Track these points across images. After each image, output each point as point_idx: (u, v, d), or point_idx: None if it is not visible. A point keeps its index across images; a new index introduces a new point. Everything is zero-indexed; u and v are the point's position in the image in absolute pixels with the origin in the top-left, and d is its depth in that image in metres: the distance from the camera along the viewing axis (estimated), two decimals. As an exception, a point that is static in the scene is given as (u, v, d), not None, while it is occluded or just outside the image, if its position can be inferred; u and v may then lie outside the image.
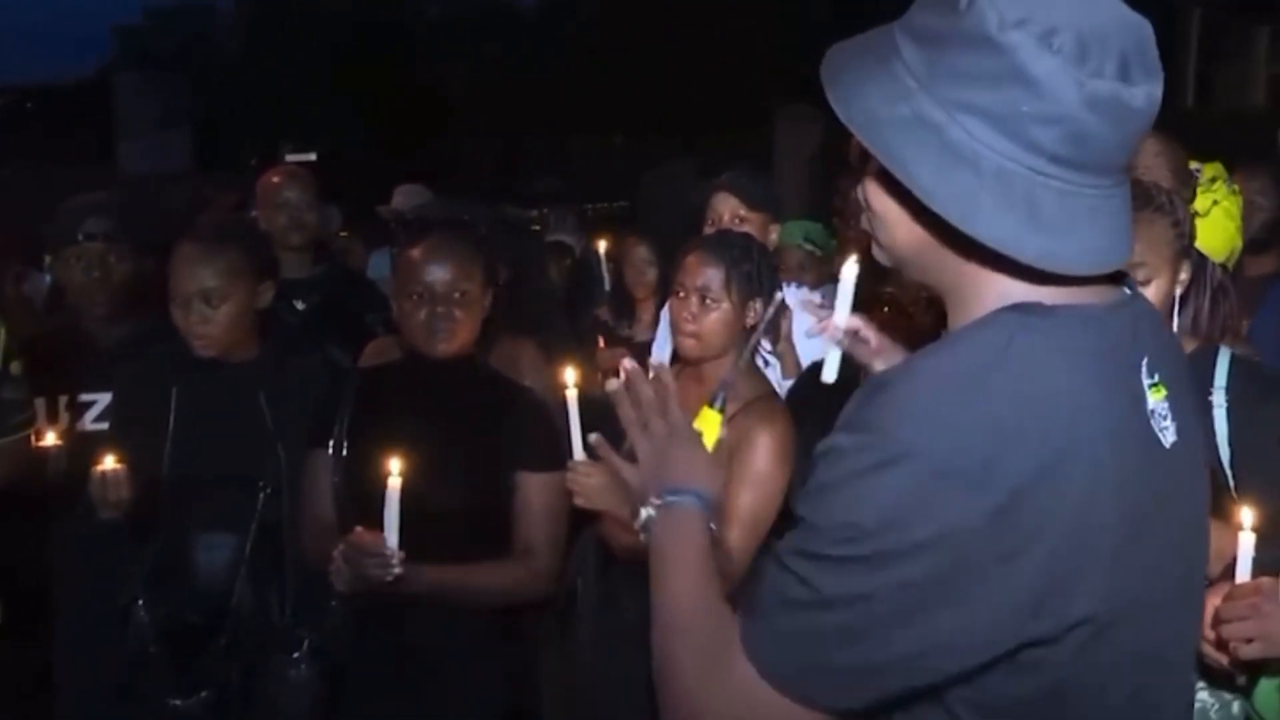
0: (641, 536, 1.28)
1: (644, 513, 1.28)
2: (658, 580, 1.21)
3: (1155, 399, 1.10)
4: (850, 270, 1.76)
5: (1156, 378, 1.11)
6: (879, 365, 1.75)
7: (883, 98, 1.05)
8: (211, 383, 2.53)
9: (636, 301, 4.15)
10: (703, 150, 12.65)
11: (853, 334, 1.78)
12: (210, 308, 2.47)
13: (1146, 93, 1.02)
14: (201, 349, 2.50)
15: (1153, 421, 1.09)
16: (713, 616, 1.15)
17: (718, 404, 1.42)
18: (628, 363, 1.35)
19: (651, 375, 1.33)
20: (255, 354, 2.59)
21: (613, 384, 1.34)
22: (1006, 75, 1.00)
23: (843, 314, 1.76)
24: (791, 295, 2.84)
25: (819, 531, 1.03)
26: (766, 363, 2.64)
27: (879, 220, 1.14)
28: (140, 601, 2.48)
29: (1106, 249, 1.05)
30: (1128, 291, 1.15)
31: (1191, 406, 1.18)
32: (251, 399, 2.52)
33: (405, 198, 4.98)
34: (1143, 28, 1.04)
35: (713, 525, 1.26)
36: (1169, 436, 1.10)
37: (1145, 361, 1.10)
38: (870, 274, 1.79)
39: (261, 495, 2.48)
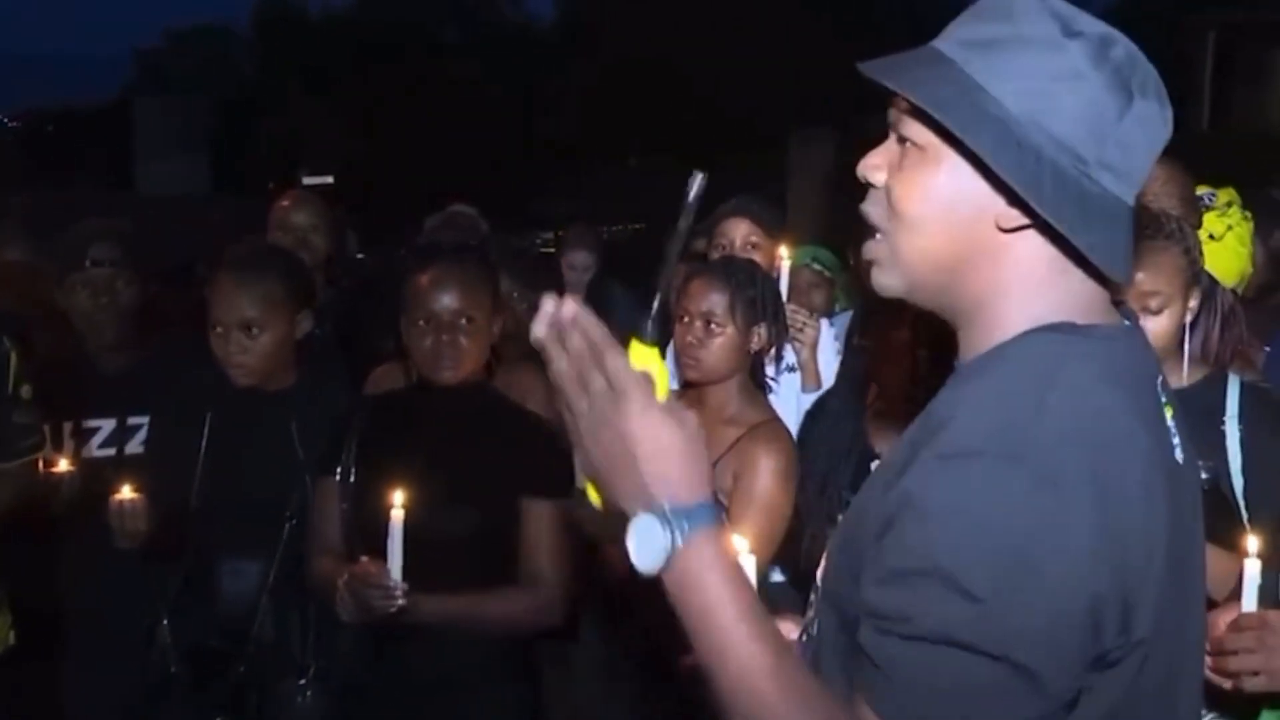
0: (635, 560, 1.03)
1: (645, 541, 1.02)
2: (712, 648, 1.01)
3: (1169, 417, 1.13)
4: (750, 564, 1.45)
5: (1166, 397, 1.14)
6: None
7: (945, 88, 1.06)
8: (245, 410, 2.55)
9: None
10: (717, 172, 12.66)
11: None
12: (249, 338, 2.49)
13: (1169, 118, 1.08)
14: (240, 378, 2.52)
15: (1170, 438, 1.12)
16: (798, 679, 1.02)
17: (649, 334, 1.07)
18: (553, 303, 1.06)
19: (571, 321, 1.04)
20: (291, 383, 2.61)
21: (539, 329, 1.06)
22: (1064, 74, 1.04)
23: None
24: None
25: (948, 575, 0.96)
26: (771, 389, 2.64)
27: (908, 224, 1.11)
28: (165, 622, 2.50)
29: (1129, 259, 1.09)
30: (1126, 321, 1.17)
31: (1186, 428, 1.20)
32: (283, 428, 2.54)
33: (451, 217, 4.87)
34: (1152, 67, 1.09)
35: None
36: (1179, 453, 1.13)
37: (1160, 381, 1.14)
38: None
39: (287, 525, 2.49)
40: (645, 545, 1.01)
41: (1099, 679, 1.01)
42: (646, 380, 1.04)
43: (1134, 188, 1.08)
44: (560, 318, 1.04)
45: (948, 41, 1.10)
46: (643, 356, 1.05)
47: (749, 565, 1.48)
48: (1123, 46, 1.06)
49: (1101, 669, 1.00)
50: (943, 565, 0.96)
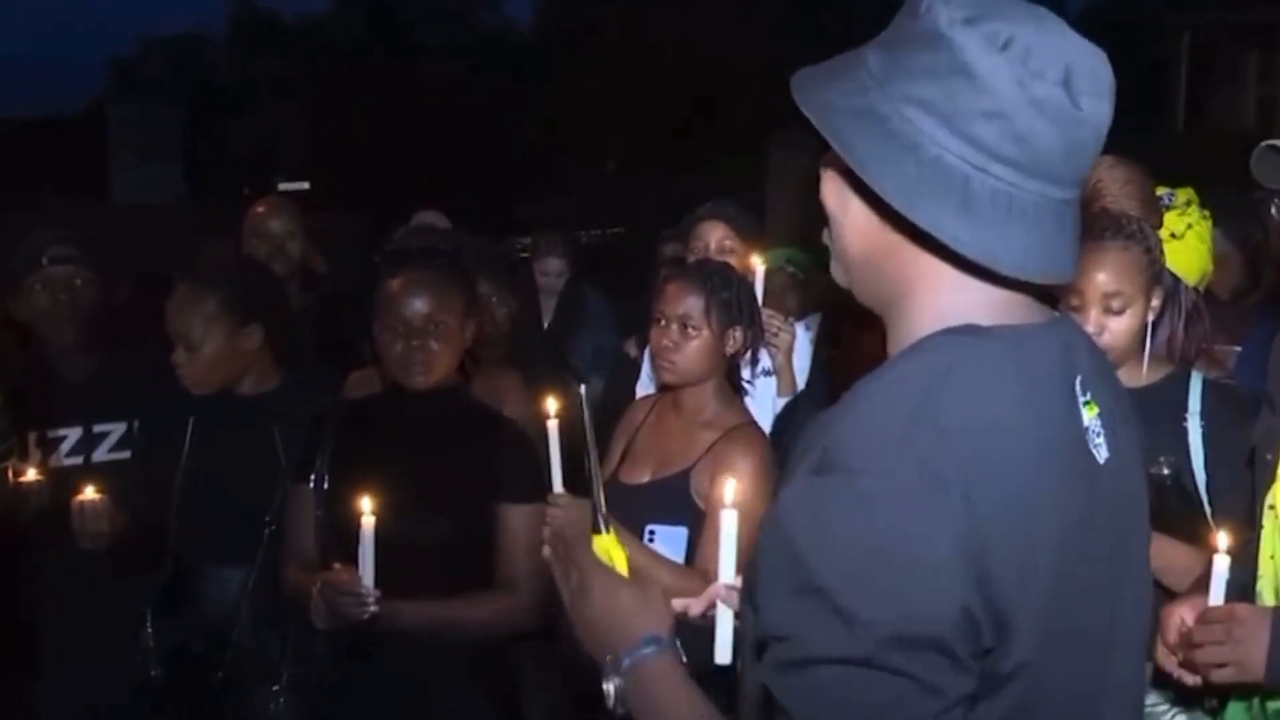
0: (619, 711, 1.26)
1: (609, 688, 1.26)
2: None
3: (1089, 416, 1.11)
4: (730, 519, 1.59)
5: (1089, 396, 1.11)
6: None
7: (840, 93, 1.08)
8: (227, 413, 2.56)
9: None
10: (695, 176, 12.70)
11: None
12: (187, 349, 2.53)
13: (1092, 106, 1.03)
14: (189, 387, 2.55)
15: (1086, 438, 1.10)
16: None
17: (603, 527, 1.46)
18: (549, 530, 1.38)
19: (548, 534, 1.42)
20: (275, 385, 2.62)
21: (545, 552, 1.46)
22: (952, 70, 1.02)
23: (728, 570, 1.57)
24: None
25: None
26: (747, 392, 2.65)
27: (835, 221, 1.15)
28: (149, 626, 2.51)
29: (1048, 256, 1.05)
30: (1057, 314, 1.15)
31: (1131, 423, 1.19)
32: (265, 431, 2.55)
33: (427, 227, 4.86)
34: (1096, 54, 1.06)
35: (681, 655, 1.26)
36: (1102, 453, 1.11)
37: (1079, 380, 1.11)
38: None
39: (267, 530, 2.49)
40: (610, 689, 1.27)
41: (990, 694, 1.00)
42: (607, 570, 1.36)
43: (1052, 183, 1.04)
44: (552, 536, 1.43)
45: (874, 40, 1.11)
46: (602, 546, 1.43)
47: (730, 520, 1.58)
48: (1020, 39, 1.01)
49: (995, 686, 1.00)
50: (817, 586, 0.97)
